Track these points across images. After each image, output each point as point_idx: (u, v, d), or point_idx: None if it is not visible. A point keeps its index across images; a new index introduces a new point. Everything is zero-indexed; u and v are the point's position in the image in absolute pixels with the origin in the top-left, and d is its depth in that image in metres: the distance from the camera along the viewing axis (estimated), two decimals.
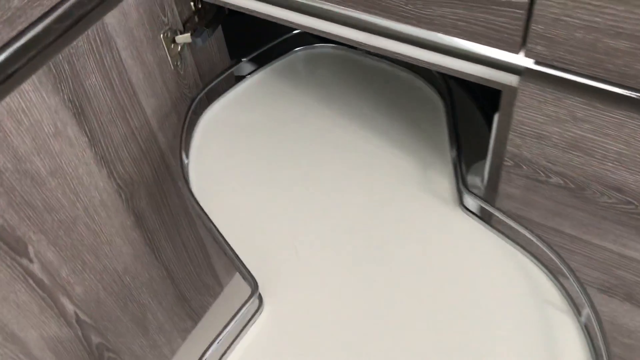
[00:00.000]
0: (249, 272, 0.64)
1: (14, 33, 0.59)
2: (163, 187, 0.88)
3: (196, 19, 0.80)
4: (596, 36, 0.48)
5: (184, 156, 0.76)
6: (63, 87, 0.66)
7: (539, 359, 0.58)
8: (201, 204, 0.70)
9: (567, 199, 0.64)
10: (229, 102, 0.85)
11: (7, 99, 0.60)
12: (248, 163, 0.77)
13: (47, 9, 0.62)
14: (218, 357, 0.60)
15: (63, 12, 0.64)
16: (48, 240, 0.72)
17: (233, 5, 0.72)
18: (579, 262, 0.71)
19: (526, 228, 0.63)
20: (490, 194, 0.72)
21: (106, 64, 0.70)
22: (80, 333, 0.82)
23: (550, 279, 0.63)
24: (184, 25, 0.79)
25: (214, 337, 0.59)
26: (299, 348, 0.61)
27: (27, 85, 0.62)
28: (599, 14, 0.47)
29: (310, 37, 0.91)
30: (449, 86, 0.83)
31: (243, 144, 0.80)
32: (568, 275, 0.59)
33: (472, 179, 0.78)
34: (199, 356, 0.58)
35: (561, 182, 0.62)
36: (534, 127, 0.59)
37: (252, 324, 0.62)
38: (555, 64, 0.53)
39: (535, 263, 0.64)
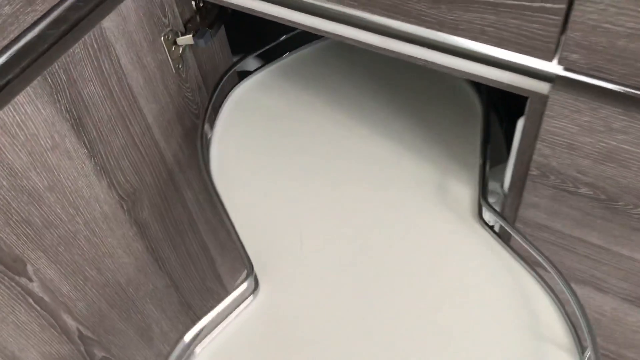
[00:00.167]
0: (246, 254, 0.64)
1: (5, 42, 0.55)
2: (166, 194, 0.84)
3: (198, 19, 0.75)
4: None
5: (207, 129, 0.75)
6: (60, 98, 0.62)
7: None
8: (215, 182, 0.70)
9: (596, 210, 0.60)
10: (259, 83, 0.84)
11: (1, 113, 0.56)
12: (269, 149, 0.76)
13: (40, 15, 0.58)
14: (207, 333, 0.61)
15: (58, 17, 0.60)
16: (47, 257, 0.68)
17: (238, 5, 0.68)
18: (605, 273, 0.67)
19: (542, 254, 0.60)
20: (512, 202, 0.69)
21: (105, 71, 0.66)
22: (83, 349, 0.79)
23: (557, 308, 0.60)
24: (185, 26, 0.75)
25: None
26: (288, 334, 0.61)
27: (21, 98, 0.58)
28: None
29: None
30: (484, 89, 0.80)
31: (268, 128, 0.78)
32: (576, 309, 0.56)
33: (491, 184, 0.74)
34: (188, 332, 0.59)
35: (591, 193, 0.59)
36: (564, 137, 0.55)
37: (246, 306, 0.62)
38: (592, 72, 0.49)
39: (544, 289, 0.61)
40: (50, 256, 0.68)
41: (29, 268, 0.66)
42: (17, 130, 0.58)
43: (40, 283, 0.68)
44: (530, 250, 0.61)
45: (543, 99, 0.55)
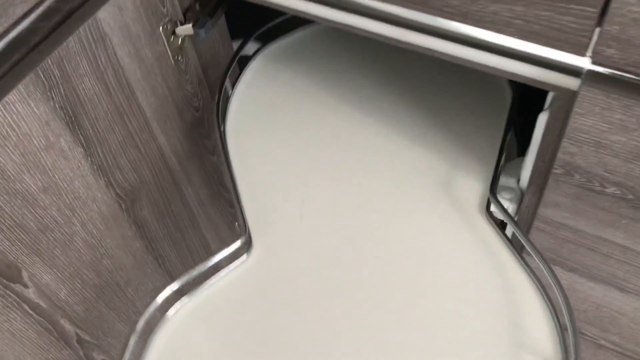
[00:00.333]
0: (242, 212, 0.65)
1: None
2: (165, 191, 0.80)
3: (197, 7, 0.71)
4: None
5: (228, 86, 0.77)
6: (54, 95, 0.58)
7: None
8: (228, 143, 0.72)
9: (623, 209, 0.57)
10: (283, 51, 0.85)
11: None
12: (286, 120, 0.76)
13: (31, 6, 0.54)
14: (194, 288, 0.63)
15: (49, 9, 0.56)
16: (43, 262, 0.64)
17: None
18: (628, 272, 0.65)
19: (545, 263, 0.58)
20: (530, 200, 0.66)
21: (101, 65, 0.62)
22: (82, 353, 0.76)
23: (543, 302, 0.58)
24: (184, 15, 0.71)
25: None
26: (274, 298, 0.62)
27: (12, 96, 0.54)
28: None
29: None
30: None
31: (288, 98, 0.79)
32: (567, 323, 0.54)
33: (507, 180, 0.71)
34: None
35: (618, 192, 0.56)
36: (593, 135, 0.52)
37: (236, 266, 0.63)
38: (627, 68, 0.46)
39: (534, 284, 0.59)
40: (46, 260, 0.65)
41: (24, 274, 0.63)
42: (9, 130, 0.55)
43: (36, 289, 0.65)
44: (522, 240, 0.60)
45: (570, 94, 0.51)
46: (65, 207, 0.64)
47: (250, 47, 0.86)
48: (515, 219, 0.70)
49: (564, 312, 0.54)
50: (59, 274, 0.67)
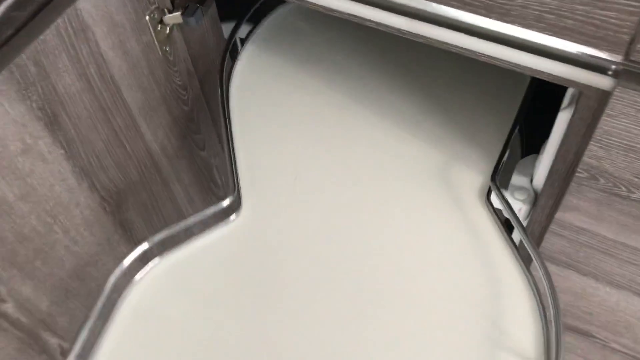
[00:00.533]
0: (234, 173, 0.64)
1: None
2: (152, 191, 0.75)
3: None
4: None
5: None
6: (30, 94, 0.52)
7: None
8: (231, 105, 0.71)
9: None
10: (288, 15, 0.83)
11: None
12: (290, 92, 0.75)
13: None
14: (179, 243, 0.61)
15: None
16: (22, 274, 0.59)
17: None
18: None
19: (539, 257, 0.55)
20: (546, 202, 0.62)
21: (82, 59, 0.56)
22: None
23: (531, 293, 0.56)
24: (172, 3, 0.65)
25: None
26: (255, 261, 0.60)
27: None
28: None
29: None
30: None
31: (294, 70, 0.77)
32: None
33: (519, 179, 0.67)
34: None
35: None
36: (624, 139, 0.48)
37: (223, 224, 0.62)
38: None
39: (524, 275, 0.57)
40: (26, 272, 0.60)
41: (1, 288, 0.57)
42: None
43: (16, 303, 0.60)
44: (515, 226, 0.58)
45: (601, 94, 0.47)
46: (46, 215, 0.59)
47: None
48: (527, 221, 0.67)
49: (550, 306, 0.52)
50: (40, 286, 0.62)
